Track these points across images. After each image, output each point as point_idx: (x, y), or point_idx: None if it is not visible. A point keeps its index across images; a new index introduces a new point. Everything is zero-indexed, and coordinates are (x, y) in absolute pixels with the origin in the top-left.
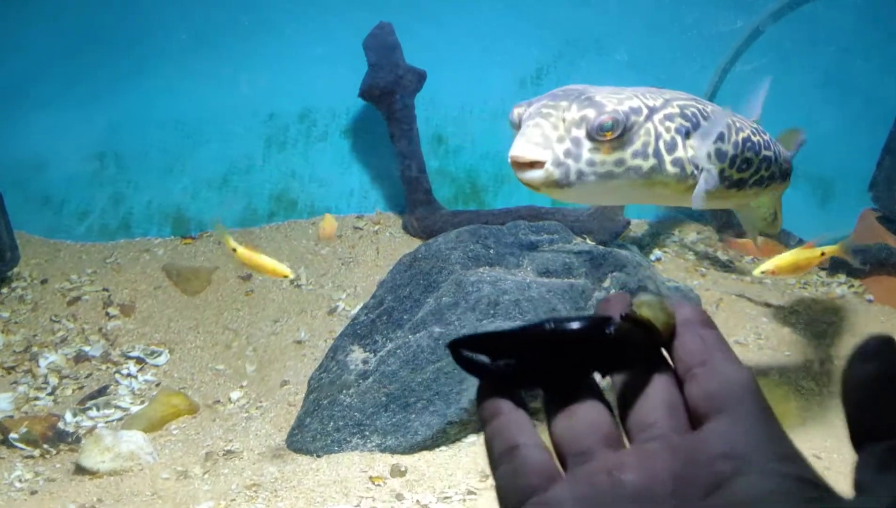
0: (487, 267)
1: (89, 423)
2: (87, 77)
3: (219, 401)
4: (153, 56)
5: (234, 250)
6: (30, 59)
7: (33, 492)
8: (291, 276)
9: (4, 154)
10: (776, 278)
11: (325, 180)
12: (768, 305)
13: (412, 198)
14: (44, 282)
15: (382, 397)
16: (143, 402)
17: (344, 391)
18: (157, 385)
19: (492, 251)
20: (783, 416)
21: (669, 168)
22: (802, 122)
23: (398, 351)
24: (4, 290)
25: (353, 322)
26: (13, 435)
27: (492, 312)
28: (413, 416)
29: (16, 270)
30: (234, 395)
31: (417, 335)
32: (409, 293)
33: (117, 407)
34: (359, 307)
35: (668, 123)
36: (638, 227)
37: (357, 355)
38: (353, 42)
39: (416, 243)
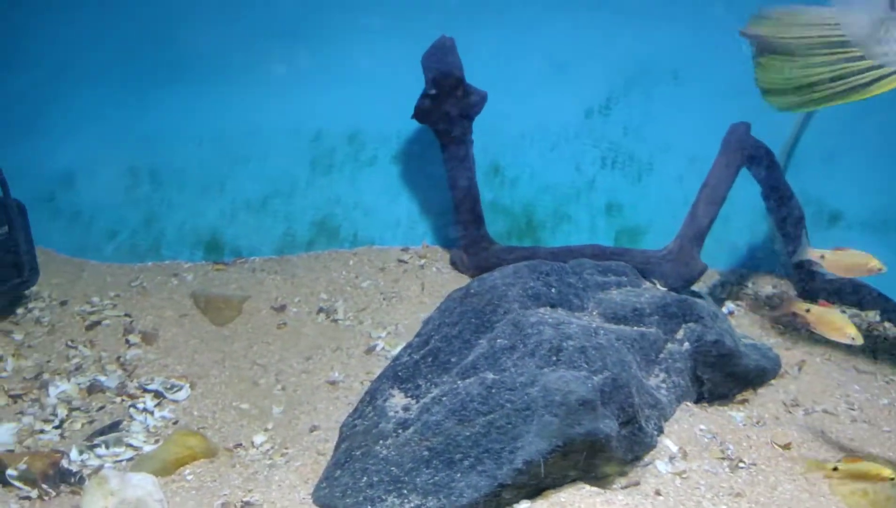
0: (549, 307)
1: (96, 462)
2: (123, 88)
3: (240, 444)
4: (195, 67)
5: (808, 310)
6: (63, 68)
7: None
8: (859, 342)
9: (33, 166)
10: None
11: (370, 209)
12: (857, 370)
13: (463, 231)
14: (63, 304)
15: (424, 451)
16: (157, 441)
17: (381, 442)
18: (175, 423)
19: (553, 290)
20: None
21: None
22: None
23: (444, 399)
24: (20, 310)
25: (395, 363)
26: (11, 472)
27: (554, 359)
28: (458, 475)
29: (35, 289)
30: (258, 439)
31: (467, 381)
32: (458, 333)
33: (129, 446)
34: (400, 348)
35: None
36: (708, 277)
37: (397, 400)
38: (409, 60)
39: (464, 279)
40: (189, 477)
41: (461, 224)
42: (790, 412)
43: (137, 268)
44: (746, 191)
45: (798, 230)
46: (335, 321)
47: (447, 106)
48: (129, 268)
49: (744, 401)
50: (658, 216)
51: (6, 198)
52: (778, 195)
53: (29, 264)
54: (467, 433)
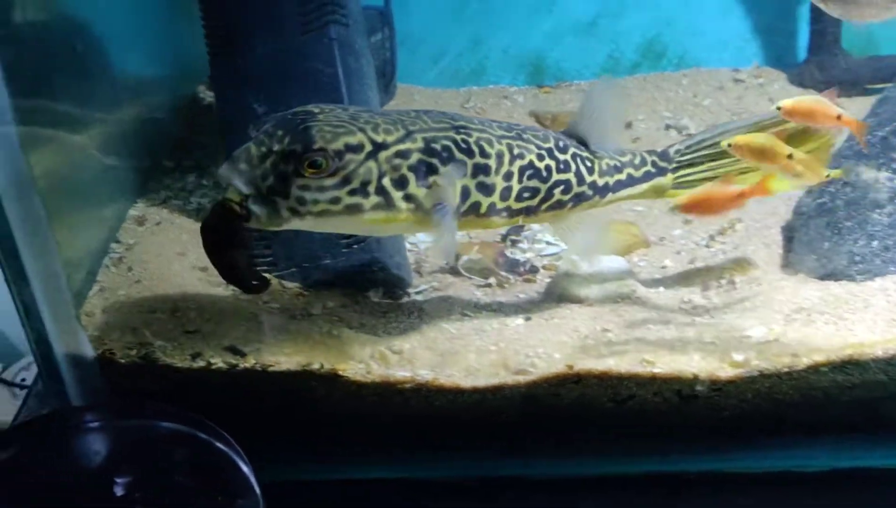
0: None
1: (522, 256)
2: None
3: (663, 237)
4: None
5: None
6: None
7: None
8: None
9: None
10: None
11: (699, 30)
12: None
13: (818, 43)
14: None
15: None
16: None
17: (878, 211)
18: None
19: None
20: None
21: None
22: None
23: None
24: None
25: (856, 144)
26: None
27: None
28: None
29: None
30: (676, 232)
31: None
32: None
33: (547, 242)
34: None
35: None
36: None
37: (871, 175)
38: None
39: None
40: (641, 264)
41: (815, 35)
42: None
43: (463, 92)
44: None
45: None
46: (691, 136)
47: None
48: (455, 92)
49: None
50: None
51: (387, 5)
52: None
53: (393, 69)
54: None
